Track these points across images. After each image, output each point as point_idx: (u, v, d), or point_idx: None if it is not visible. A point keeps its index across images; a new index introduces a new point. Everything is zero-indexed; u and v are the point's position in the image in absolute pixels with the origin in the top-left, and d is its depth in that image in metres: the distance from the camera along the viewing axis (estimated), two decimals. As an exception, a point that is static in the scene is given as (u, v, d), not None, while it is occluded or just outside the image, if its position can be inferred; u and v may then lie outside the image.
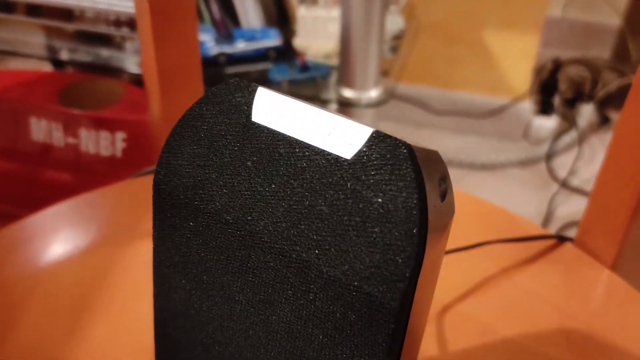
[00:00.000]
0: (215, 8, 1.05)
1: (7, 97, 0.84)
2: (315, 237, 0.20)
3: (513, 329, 0.36)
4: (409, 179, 0.18)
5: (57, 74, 0.98)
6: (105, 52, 0.99)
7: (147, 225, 0.43)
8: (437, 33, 1.35)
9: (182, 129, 0.23)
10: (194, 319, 0.25)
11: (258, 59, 1.04)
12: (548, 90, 1.33)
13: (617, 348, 0.35)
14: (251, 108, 0.22)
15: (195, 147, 0.23)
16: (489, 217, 0.45)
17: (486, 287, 0.39)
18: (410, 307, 0.19)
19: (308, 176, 0.20)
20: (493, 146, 1.34)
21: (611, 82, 1.31)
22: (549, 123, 1.35)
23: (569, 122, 1.34)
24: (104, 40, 0.99)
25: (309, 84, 1.02)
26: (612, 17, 1.30)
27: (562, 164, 1.26)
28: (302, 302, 0.21)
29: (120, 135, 0.81)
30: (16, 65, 1.08)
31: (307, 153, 0.20)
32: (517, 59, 1.33)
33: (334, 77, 1.03)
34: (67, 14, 0.96)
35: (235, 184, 0.22)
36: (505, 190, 1.21)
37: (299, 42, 1.07)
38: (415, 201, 0.18)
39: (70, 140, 0.82)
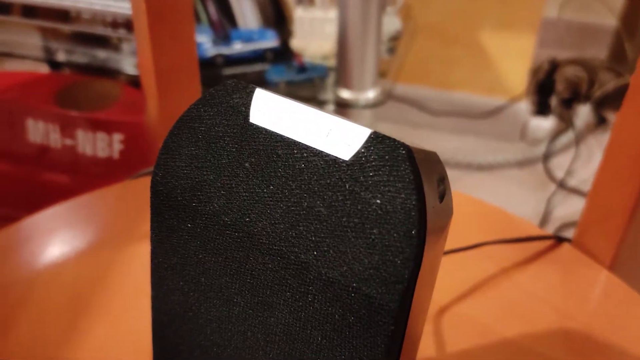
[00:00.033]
0: (212, 9, 1.04)
1: (3, 99, 0.84)
2: (313, 238, 0.20)
3: (511, 330, 0.36)
4: (407, 180, 0.18)
5: (54, 76, 0.98)
6: (102, 54, 0.99)
7: (145, 227, 0.43)
8: (434, 34, 1.35)
9: (180, 130, 0.23)
10: (192, 321, 0.25)
11: (255, 60, 1.04)
12: (545, 90, 1.34)
13: (616, 348, 0.35)
14: (249, 109, 0.22)
15: (193, 148, 0.23)
16: (487, 217, 0.45)
17: (484, 288, 0.39)
18: (410, 309, 0.19)
19: (306, 177, 0.20)
20: (490, 147, 1.34)
21: (608, 83, 1.31)
22: (546, 123, 1.35)
23: (566, 122, 1.34)
24: (101, 41, 0.99)
25: (306, 85, 1.02)
26: (608, 18, 1.31)
27: (560, 165, 1.27)
28: (300, 303, 0.21)
29: (117, 137, 0.81)
30: (12, 66, 1.08)
31: (305, 154, 0.20)
32: (514, 59, 1.33)
33: (331, 78, 1.03)
34: (63, 15, 0.96)
35: (233, 185, 0.22)
36: (503, 190, 1.21)
37: (296, 43, 1.07)
38: (413, 202, 0.18)
39: (67, 141, 0.82)
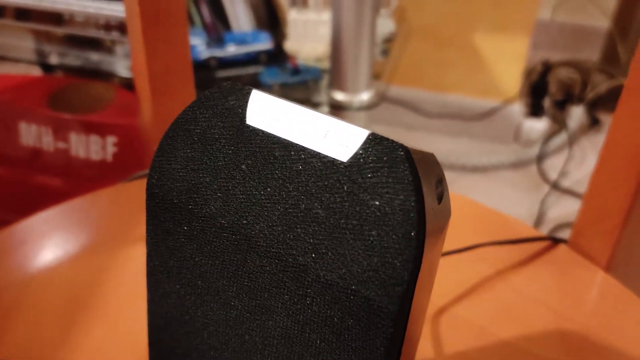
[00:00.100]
0: (205, 12, 1.04)
1: (-4, 102, 0.83)
2: (311, 240, 0.19)
3: (508, 331, 0.35)
4: (406, 181, 0.18)
5: (47, 78, 0.97)
6: (95, 56, 0.98)
7: (139, 230, 0.43)
8: (427, 36, 1.35)
9: (175, 132, 0.23)
10: (188, 325, 0.25)
11: (249, 62, 1.04)
12: (538, 92, 1.34)
13: (612, 349, 0.35)
14: (245, 111, 0.22)
15: (188, 150, 0.23)
16: (483, 219, 0.45)
17: (481, 290, 0.39)
18: (409, 311, 0.19)
19: (304, 179, 0.20)
20: (484, 148, 1.34)
21: (601, 84, 1.32)
22: (539, 125, 1.36)
23: (559, 124, 1.35)
24: (94, 44, 0.99)
25: (300, 87, 1.02)
26: (601, 20, 1.31)
27: (553, 166, 1.27)
28: (298, 306, 0.20)
29: (110, 140, 0.81)
30: (5, 69, 1.07)
31: (302, 156, 0.20)
32: (507, 61, 1.33)
33: (325, 81, 1.03)
34: (56, 17, 0.96)
35: (230, 187, 0.21)
36: (497, 192, 1.22)
37: (290, 46, 1.07)
38: (413, 204, 0.18)
39: (61, 144, 0.81)
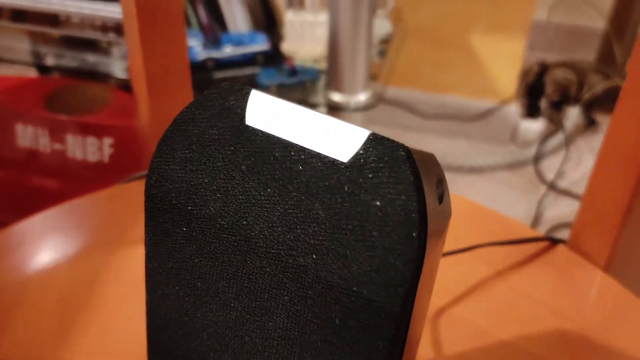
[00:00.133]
0: (202, 13, 1.04)
1: (-8, 104, 0.83)
2: (312, 241, 0.19)
3: (507, 331, 0.35)
4: (407, 181, 0.18)
5: (43, 80, 0.97)
6: (91, 58, 0.98)
7: (137, 231, 0.42)
8: (424, 37, 1.35)
9: (174, 133, 0.23)
10: (188, 326, 0.24)
11: (246, 63, 1.03)
12: (535, 93, 1.34)
13: (611, 349, 0.35)
14: (245, 111, 0.21)
15: (187, 151, 0.22)
16: (482, 219, 0.45)
17: (480, 290, 0.39)
18: (411, 312, 0.19)
19: (304, 180, 0.20)
20: (481, 149, 1.34)
21: (597, 85, 1.32)
22: (536, 126, 1.36)
23: (555, 124, 1.35)
24: (90, 45, 0.99)
25: (297, 88, 1.02)
26: (597, 21, 1.32)
27: (550, 166, 1.27)
28: (299, 307, 0.20)
29: (107, 141, 0.81)
30: (1, 71, 1.07)
31: (302, 156, 0.20)
32: (504, 62, 1.33)
33: (322, 81, 1.03)
34: (52, 19, 0.95)
35: (229, 188, 0.21)
36: (494, 193, 1.22)
37: (286, 47, 1.07)
38: (414, 204, 0.18)
39: (57, 146, 0.81)
